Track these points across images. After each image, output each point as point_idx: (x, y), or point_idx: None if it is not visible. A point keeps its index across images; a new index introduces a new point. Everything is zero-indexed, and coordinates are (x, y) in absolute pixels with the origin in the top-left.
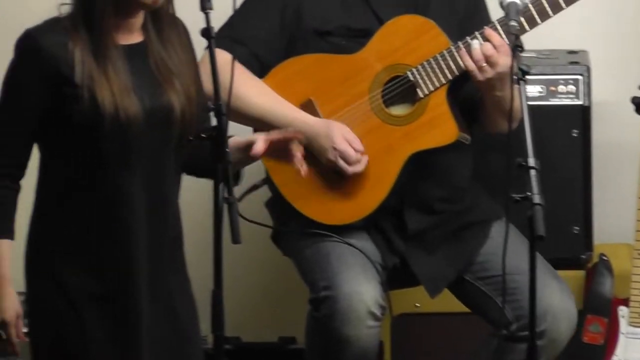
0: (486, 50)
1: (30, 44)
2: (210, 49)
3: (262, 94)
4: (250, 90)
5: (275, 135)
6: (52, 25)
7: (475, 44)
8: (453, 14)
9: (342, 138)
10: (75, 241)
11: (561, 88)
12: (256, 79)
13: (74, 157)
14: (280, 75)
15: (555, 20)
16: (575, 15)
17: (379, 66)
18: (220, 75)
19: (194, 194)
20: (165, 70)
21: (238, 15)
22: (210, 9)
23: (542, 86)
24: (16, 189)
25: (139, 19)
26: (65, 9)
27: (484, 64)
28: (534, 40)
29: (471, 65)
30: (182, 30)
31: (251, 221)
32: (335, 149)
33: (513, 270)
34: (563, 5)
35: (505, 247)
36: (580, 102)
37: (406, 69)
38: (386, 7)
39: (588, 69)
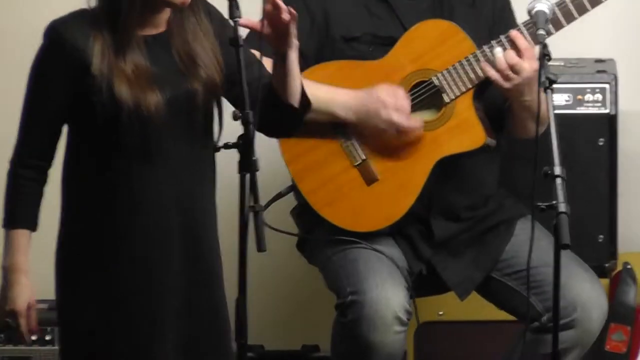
0: (510, 59)
1: (53, 35)
2: (238, 57)
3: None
4: None
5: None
6: (76, 17)
7: (498, 52)
8: (479, 20)
9: (389, 96)
10: (102, 240)
11: (588, 97)
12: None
13: (99, 150)
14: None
15: (583, 28)
16: (602, 24)
17: (405, 72)
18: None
19: (219, 200)
20: (188, 59)
21: None
22: (239, 17)
23: (569, 95)
24: (42, 180)
25: (165, 13)
26: (93, 2)
27: (509, 72)
28: (561, 48)
29: (494, 75)
30: (204, 14)
31: (277, 229)
32: (385, 119)
33: (539, 264)
34: (588, 6)
35: (530, 252)
36: (607, 111)
37: (431, 74)
38: (412, 15)
39: (615, 78)
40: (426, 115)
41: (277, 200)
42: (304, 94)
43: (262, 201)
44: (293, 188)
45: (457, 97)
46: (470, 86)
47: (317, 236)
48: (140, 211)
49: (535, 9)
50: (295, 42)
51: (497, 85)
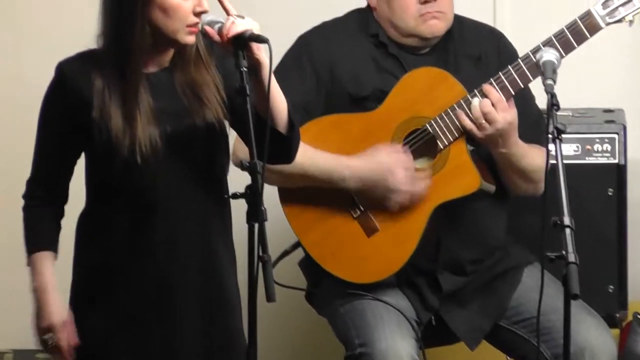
0: (483, 107)
1: (59, 74)
2: (244, 106)
3: (307, 154)
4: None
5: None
6: (83, 56)
7: (475, 101)
8: (484, 74)
9: (395, 167)
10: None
11: (597, 147)
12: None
13: (104, 187)
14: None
15: (591, 78)
16: (611, 74)
17: (398, 120)
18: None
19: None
20: (192, 94)
21: (275, 78)
22: (246, 67)
23: (578, 145)
24: (53, 212)
25: (170, 51)
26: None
27: (482, 121)
28: (569, 98)
29: (469, 124)
30: (206, 47)
31: (284, 285)
32: (396, 191)
33: (547, 310)
34: (587, 34)
35: (539, 304)
36: (615, 161)
37: (425, 121)
38: (418, 67)
39: (624, 128)
40: (422, 163)
41: (283, 259)
42: (289, 117)
43: (271, 254)
44: (298, 245)
45: (451, 143)
46: (463, 131)
47: (324, 289)
48: (140, 253)
49: (543, 59)
50: (263, 59)
51: (473, 135)
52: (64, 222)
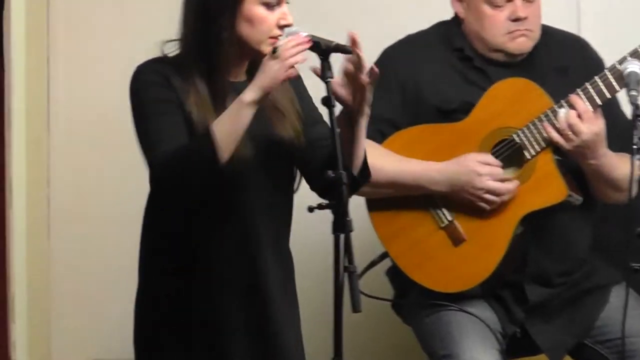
0: (570, 119)
1: (147, 69)
2: (331, 117)
3: (386, 158)
4: (374, 156)
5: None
6: (158, 61)
7: (562, 112)
8: (570, 86)
9: (481, 165)
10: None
11: None
12: (377, 145)
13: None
14: (392, 148)
15: None
16: None
17: (485, 131)
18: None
19: (314, 262)
20: (272, 107)
21: None
22: (332, 77)
23: None
24: None
25: (245, 63)
26: (169, 48)
27: (569, 132)
28: None
29: (555, 136)
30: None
31: (370, 296)
32: (480, 188)
33: (633, 334)
34: None
35: (624, 315)
36: None
37: (512, 131)
38: (504, 79)
39: None
40: (509, 173)
41: (370, 269)
42: (365, 164)
43: (357, 266)
44: (385, 255)
45: (538, 153)
46: (550, 142)
47: (411, 299)
48: (220, 261)
49: (627, 71)
50: (367, 110)
51: (560, 146)
52: (126, 230)
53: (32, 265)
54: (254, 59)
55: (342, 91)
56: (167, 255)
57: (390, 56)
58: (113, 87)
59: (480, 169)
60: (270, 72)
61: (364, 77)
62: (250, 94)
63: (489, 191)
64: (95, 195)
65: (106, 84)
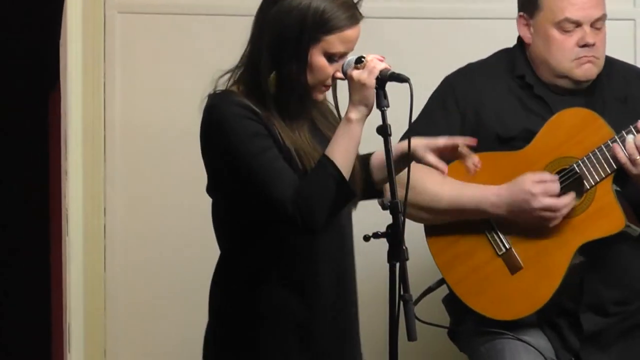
0: (638, 142)
1: (230, 101)
2: (386, 146)
3: (444, 184)
4: (433, 182)
5: (442, 142)
6: (235, 94)
7: (630, 137)
8: (630, 115)
9: (535, 184)
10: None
11: None
12: (437, 172)
13: (260, 222)
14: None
15: None
16: None
17: (546, 160)
18: (403, 179)
19: (369, 290)
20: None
21: (421, 119)
22: (387, 106)
23: None
24: None
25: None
26: (222, 81)
27: (637, 157)
28: None
29: (623, 158)
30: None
31: (427, 323)
32: (537, 208)
33: None
34: None
35: None
36: None
37: (572, 161)
38: (564, 108)
39: None
40: None
41: (427, 295)
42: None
43: (413, 294)
44: (442, 282)
45: (597, 182)
46: (609, 172)
47: (466, 326)
48: (297, 283)
49: None
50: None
51: (626, 170)
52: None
53: (88, 294)
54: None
55: (424, 153)
56: (267, 272)
57: (450, 83)
58: (168, 113)
59: (535, 189)
60: (360, 81)
61: (470, 166)
62: (353, 112)
63: (545, 209)
64: (151, 223)
65: (161, 110)
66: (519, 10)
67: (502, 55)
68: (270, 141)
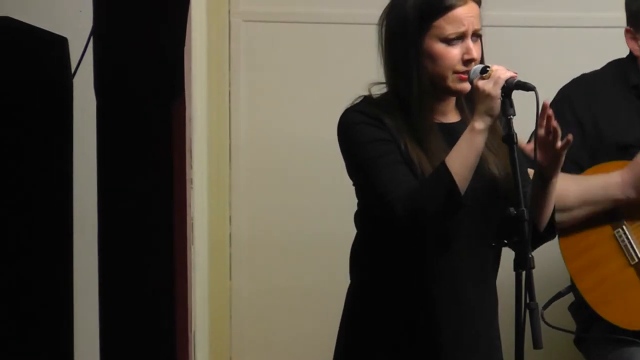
0: None
1: (356, 110)
2: (511, 154)
3: (566, 179)
4: (567, 183)
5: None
6: (365, 102)
7: None
8: None
9: None
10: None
11: None
12: (569, 175)
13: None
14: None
15: None
16: None
17: None
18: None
19: (501, 297)
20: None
21: None
22: (513, 115)
23: None
24: None
25: (451, 102)
26: (375, 90)
27: None
28: None
29: None
30: None
31: (555, 327)
32: None
33: None
34: None
35: None
36: None
37: None
38: None
39: None
40: None
41: (556, 300)
42: (552, 220)
43: (541, 300)
44: (572, 288)
45: None
46: None
47: (594, 334)
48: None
49: None
50: (559, 170)
51: None
52: None
53: (213, 302)
54: (453, 95)
55: (538, 155)
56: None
57: (566, 95)
58: (293, 121)
59: None
60: (485, 92)
61: (558, 144)
62: (478, 123)
63: None
64: (276, 232)
65: (286, 118)
66: (627, 24)
67: (615, 65)
68: (392, 147)
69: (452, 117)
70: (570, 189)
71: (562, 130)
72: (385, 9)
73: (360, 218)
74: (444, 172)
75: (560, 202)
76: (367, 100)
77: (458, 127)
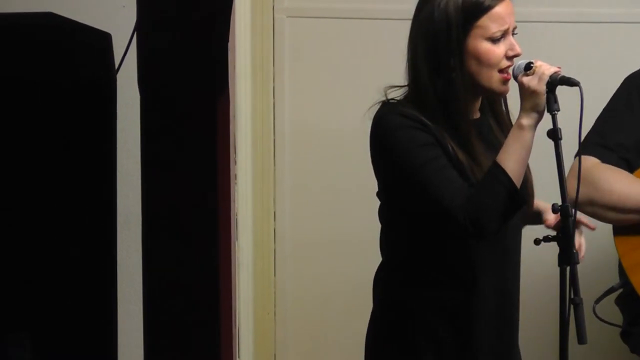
0: None
1: (398, 113)
2: (557, 149)
3: (633, 182)
4: (621, 182)
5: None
6: (403, 105)
7: None
8: None
9: None
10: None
11: None
12: (626, 173)
13: (433, 229)
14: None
15: None
16: None
17: None
18: (587, 179)
19: (539, 293)
20: (500, 146)
21: (606, 124)
22: (557, 110)
23: None
24: None
25: (479, 100)
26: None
27: None
28: None
29: None
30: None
31: (602, 320)
32: None
33: None
34: None
35: None
36: None
37: None
38: None
39: None
40: None
41: (608, 295)
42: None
43: (590, 295)
44: (625, 283)
45: None
46: None
47: None
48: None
49: None
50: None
51: None
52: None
53: (258, 298)
54: (496, 97)
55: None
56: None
57: (634, 81)
58: (337, 117)
59: None
60: (530, 88)
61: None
62: (525, 119)
63: None
64: (320, 228)
65: (330, 114)
66: None
67: None
68: (439, 151)
69: (476, 113)
70: (632, 191)
71: (631, 118)
72: (417, 9)
73: (397, 217)
74: (500, 173)
75: (620, 203)
76: (401, 103)
77: (482, 123)
